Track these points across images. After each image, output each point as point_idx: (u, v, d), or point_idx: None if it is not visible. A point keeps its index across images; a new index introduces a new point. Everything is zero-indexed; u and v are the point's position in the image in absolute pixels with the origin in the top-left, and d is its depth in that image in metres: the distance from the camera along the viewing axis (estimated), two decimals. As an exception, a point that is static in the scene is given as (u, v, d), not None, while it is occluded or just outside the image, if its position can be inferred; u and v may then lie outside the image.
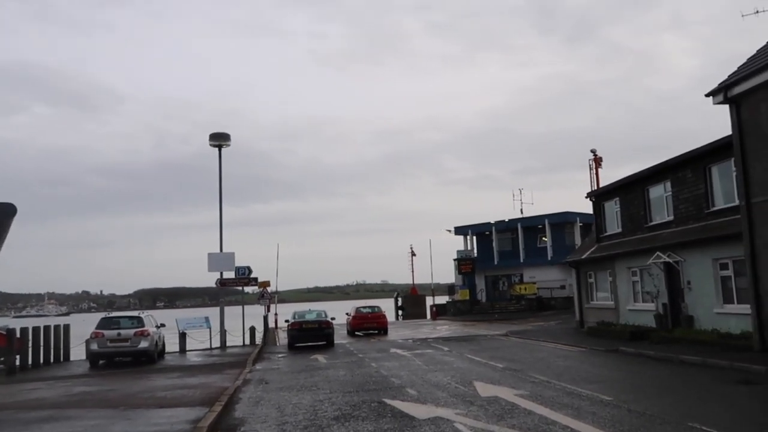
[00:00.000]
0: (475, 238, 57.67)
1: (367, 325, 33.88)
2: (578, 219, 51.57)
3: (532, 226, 53.88)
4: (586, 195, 29.50)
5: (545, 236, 52.89)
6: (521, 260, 53.46)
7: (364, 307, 35.55)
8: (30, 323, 27.23)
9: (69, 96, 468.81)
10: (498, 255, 55.16)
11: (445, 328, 36.87)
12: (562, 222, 52.19)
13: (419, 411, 10.60)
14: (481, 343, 25.19)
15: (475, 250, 56.89)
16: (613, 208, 27.15)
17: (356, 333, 33.75)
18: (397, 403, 11.51)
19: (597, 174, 47.47)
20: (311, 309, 29.65)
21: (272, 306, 37.41)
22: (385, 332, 33.58)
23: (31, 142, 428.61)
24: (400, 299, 68.78)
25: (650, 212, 24.06)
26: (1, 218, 7.14)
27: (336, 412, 10.97)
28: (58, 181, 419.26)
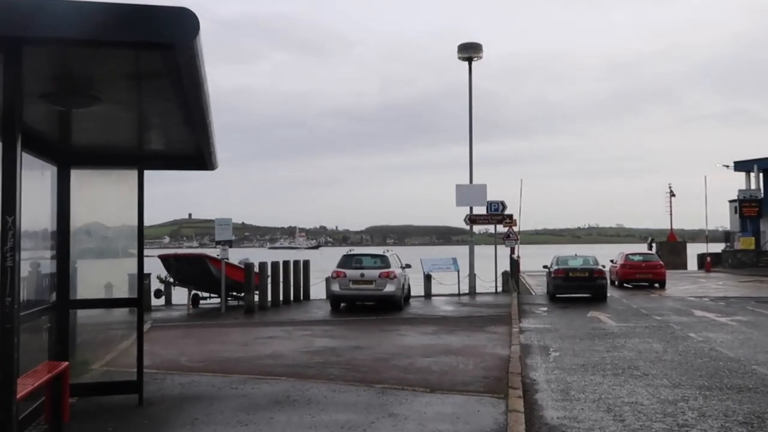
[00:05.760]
0: (761, 175, 47.55)
1: (640, 275, 28.19)
2: None
3: None
4: None
5: None
6: (829, 203, 42.78)
7: (635, 254, 29.74)
8: (284, 255, 25.71)
9: (303, 43, 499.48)
10: (795, 196, 44.93)
11: (732, 284, 29.90)
12: None
13: None
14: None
15: (762, 190, 46.96)
16: None
17: (625, 284, 28.33)
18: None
19: None
20: (577, 254, 24.81)
21: (516, 248, 33.10)
22: (663, 285, 27.68)
23: (272, 87, 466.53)
24: (654, 246, 60.63)
25: None
26: (180, 35, 3.89)
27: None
28: (295, 123, 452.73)
